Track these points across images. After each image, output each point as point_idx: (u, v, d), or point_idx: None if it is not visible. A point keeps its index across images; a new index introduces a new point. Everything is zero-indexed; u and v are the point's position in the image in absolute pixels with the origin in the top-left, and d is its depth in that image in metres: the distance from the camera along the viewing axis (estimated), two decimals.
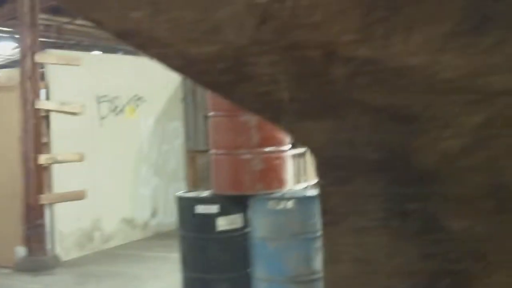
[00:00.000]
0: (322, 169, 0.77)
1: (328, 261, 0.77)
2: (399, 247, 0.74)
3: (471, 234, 0.70)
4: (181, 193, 8.39)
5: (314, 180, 12.39)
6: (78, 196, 9.99)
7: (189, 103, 12.24)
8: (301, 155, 11.50)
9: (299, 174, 11.12)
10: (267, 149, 7.54)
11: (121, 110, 11.10)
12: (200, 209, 7.51)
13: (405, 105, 0.72)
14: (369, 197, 0.74)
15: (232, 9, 0.74)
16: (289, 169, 8.06)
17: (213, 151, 8.02)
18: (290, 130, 0.77)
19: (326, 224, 0.77)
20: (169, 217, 11.10)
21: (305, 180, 11.32)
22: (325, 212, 0.77)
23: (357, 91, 0.72)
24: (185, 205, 7.74)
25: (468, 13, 0.67)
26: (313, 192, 8.31)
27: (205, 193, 7.99)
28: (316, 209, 7.18)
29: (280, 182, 7.59)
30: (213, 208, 7.43)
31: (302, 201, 7.12)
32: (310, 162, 12.15)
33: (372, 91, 0.72)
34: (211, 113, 8.15)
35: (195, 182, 11.84)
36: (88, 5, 0.82)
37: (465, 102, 0.69)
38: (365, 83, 0.71)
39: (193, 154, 12.17)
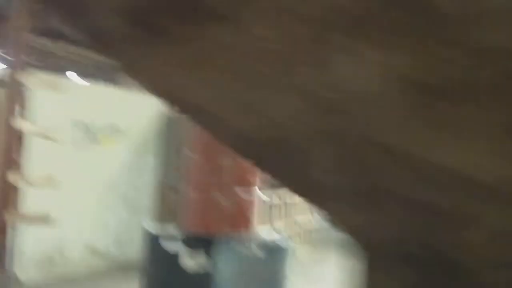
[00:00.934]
0: (366, 256, 0.88)
1: None
2: None
3: None
4: (148, 226, 8.41)
5: (281, 225, 12.46)
6: (44, 218, 9.96)
7: (165, 138, 12.30)
8: (270, 200, 11.60)
9: (266, 218, 11.20)
10: (239, 191, 7.61)
11: (97, 139, 11.13)
12: (167, 245, 7.52)
13: (442, 202, 0.83)
14: (405, 283, 0.86)
15: (285, 95, 0.86)
16: (257, 213, 8.13)
17: (185, 188, 8.07)
18: (333, 215, 0.87)
19: None
20: (133, 250, 11.08)
21: (271, 225, 11.41)
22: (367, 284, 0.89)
23: (399, 185, 0.83)
24: (152, 239, 7.75)
25: (508, 126, 0.79)
26: (279, 239, 8.37)
27: (172, 229, 8.02)
28: (282, 256, 7.27)
29: (248, 226, 7.66)
30: (179, 246, 7.45)
31: (269, 247, 7.19)
32: (278, 207, 12.24)
33: (413, 186, 0.83)
34: (187, 151, 8.23)
35: (163, 218, 11.84)
36: (154, 78, 0.94)
37: (496, 205, 0.81)
38: (407, 178, 0.83)
39: (163, 190, 12.20)
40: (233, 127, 0.88)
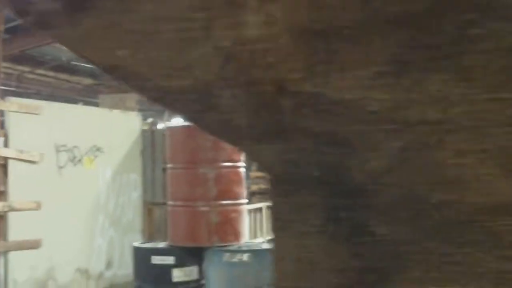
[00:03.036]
0: (273, 184, 0.93)
1: (276, 260, 0.94)
2: (334, 249, 0.90)
3: (391, 238, 0.87)
4: (137, 243, 8.41)
5: (270, 235, 12.44)
6: (33, 244, 9.94)
7: (148, 155, 12.33)
8: (258, 210, 11.62)
9: (255, 228, 11.22)
10: (224, 202, 7.63)
11: (80, 160, 11.14)
12: (156, 259, 7.53)
13: (340, 132, 0.89)
14: (310, 207, 0.90)
15: (202, 50, 0.92)
16: (245, 223, 8.14)
17: (170, 202, 8.08)
18: (246, 151, 0.93)
19: (275, 230, 0.94)
20: (124, 269, 11.12)
21: (261, 235, 11.43)
22: (275, 219, 0.94)
23: (302, 120, 0.89)
24: (142, 256, 7.76)
25: (390, 59, 0.86)
26: (269, 245, 8.38)
27: (161, 244, 8.02)
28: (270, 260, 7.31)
29: (236, 235, 7.67)
30: (169, 259, 7.45)
31: (258, 253, 7.20)
32: (266, 217, 12.26)
33: (313, 120, 0.89)
34: (169, 165, 8.23)
35: (151, 234, 11.87)
36: (81, 45, 0.98)
37: (388, 131, 0.87)
38: (308, 113, 0.89)
39: (150, 207, 12.22)
40: (160, 86, 0.94)
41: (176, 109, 0.96)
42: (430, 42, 0.85)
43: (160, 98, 0.94)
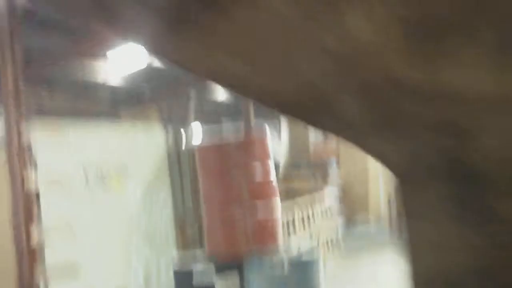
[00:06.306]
0: (401, 181, 0.92)
1: (411, 247, 0.94)
2: (463, 232, 0.89)
3: None
4: (176, 262, 8.37)
5: (303, 233, 12.32)
6: (71, 270, 9.95)
7: (175, 172, 12.32)
8: (290, 208, 11.54)
9: (288, 227, 11.14)
10: (259, 205, 7.55)
11: (108, 182, 11.13)
12: (198, 278, 7.50)
13: (456, 120, 0.86)
14: (440, 198, 0.89)
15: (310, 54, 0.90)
16: (280, 223, 8.06)
17: (205, 212, 8.04)
18: (370, 152, 0.91)
19: (408, 219, 0.94)
20: (164, 286, 11.10)
21: (295, 233, 11.33)
22: (407, 211, 0.94)
23: (420, 111, 0.87)
24: (183, 278, 7.74)
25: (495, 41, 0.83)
26: (308, 255, 8.24)
27: (200, 264, 7.97)
28: (310, 272, 7.18)
29: (274, 239, 7.59)
30: (210, 274, 7.42)
31: (298, 265, 7.11)
32: (298, 215, 12.16)
33: (430, 110, 0.86)
34: (200, 175, 8.16)
35: (186, 248, 11.84)
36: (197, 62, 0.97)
37: (497, 111, 0.84)
38: (426, 104, 0.86)
39: (182, 222, 12.20)
40: (272, 90, 0.93)
41: (295, 115, 0.95)
42: None
43: (276, 105, 0.94)
